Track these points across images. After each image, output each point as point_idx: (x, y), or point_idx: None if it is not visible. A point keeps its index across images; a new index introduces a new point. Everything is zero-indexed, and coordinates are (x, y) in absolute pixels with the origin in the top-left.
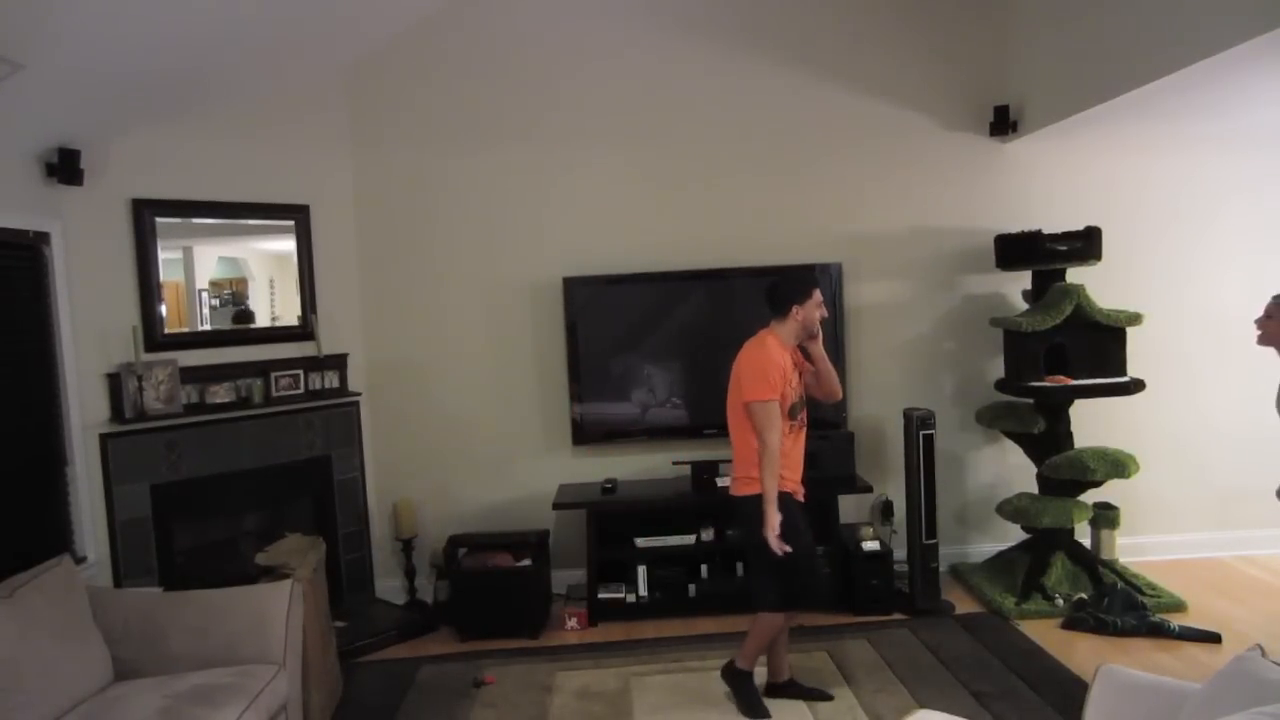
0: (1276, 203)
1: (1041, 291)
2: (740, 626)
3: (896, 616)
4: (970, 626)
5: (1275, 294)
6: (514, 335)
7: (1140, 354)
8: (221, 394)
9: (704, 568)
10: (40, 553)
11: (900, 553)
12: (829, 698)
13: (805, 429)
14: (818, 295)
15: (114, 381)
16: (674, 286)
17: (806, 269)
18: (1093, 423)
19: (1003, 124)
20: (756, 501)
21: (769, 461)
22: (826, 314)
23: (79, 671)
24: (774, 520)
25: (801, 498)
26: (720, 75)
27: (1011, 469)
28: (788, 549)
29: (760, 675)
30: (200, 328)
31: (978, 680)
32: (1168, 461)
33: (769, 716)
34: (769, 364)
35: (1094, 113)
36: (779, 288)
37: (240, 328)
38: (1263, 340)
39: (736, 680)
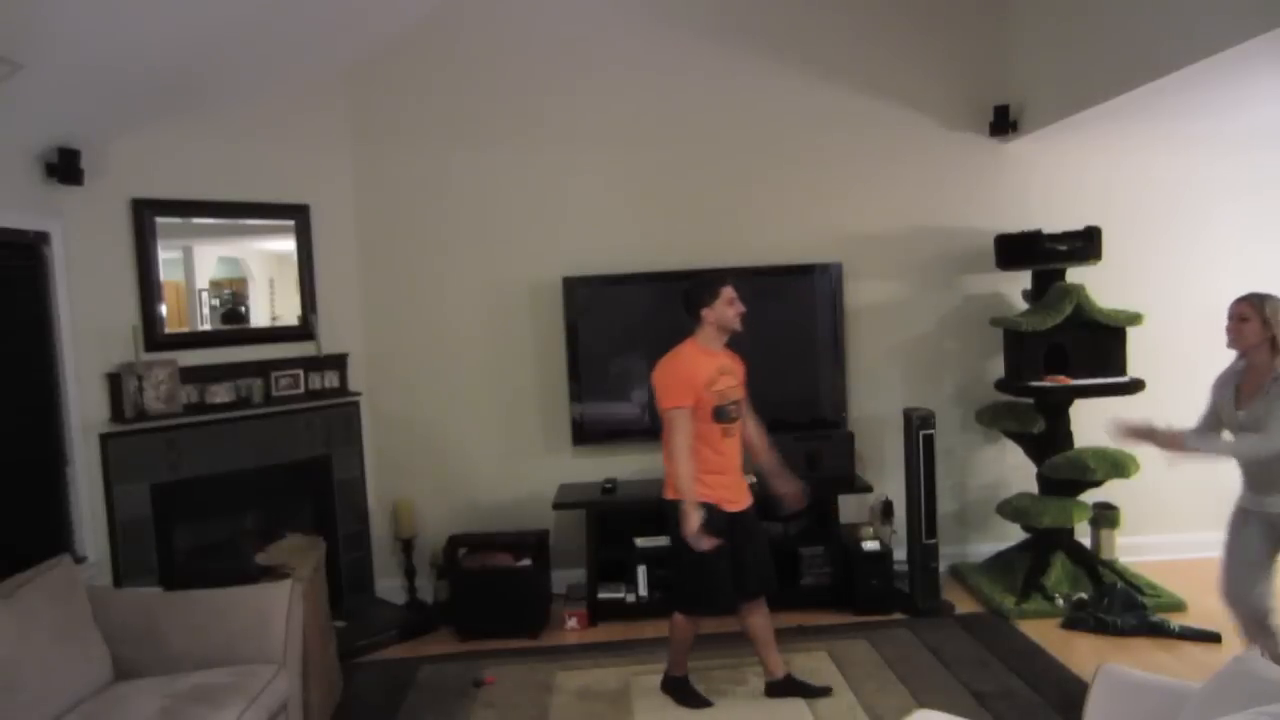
0: (1276, 202)
1: (1041, 291)
2: (737, 627)
3: (896, 616)
4: (970, 626)
5: (1240, 297)
6: (514, 335)
7: (1140, 353)
8: (221, 394)
9: None
10: (40, 553)
11: (900, 553)
12: (828, 692)
13: (739, 437)
14: (727, 293)
15: (114, 381)
16: (674, 286)
17: (806, 269)
18: (1093, 423)
19: (1003, 124)
20: (677, 505)
21: (680, 465)
22: (743, 309)
23: (79, 671)
24: (694, 520)
25: (738, 506)
26: (720, 75)
27: (1011, 469)
28: (706, 546)
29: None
30: (200, 328)
31: (978, 680)
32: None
33: (710, 704)
34: (680, 371)
35: (1094, 112)
36: (688, 294)
37: (233, 328)
38: (1235, 344)
39: (674, 687)
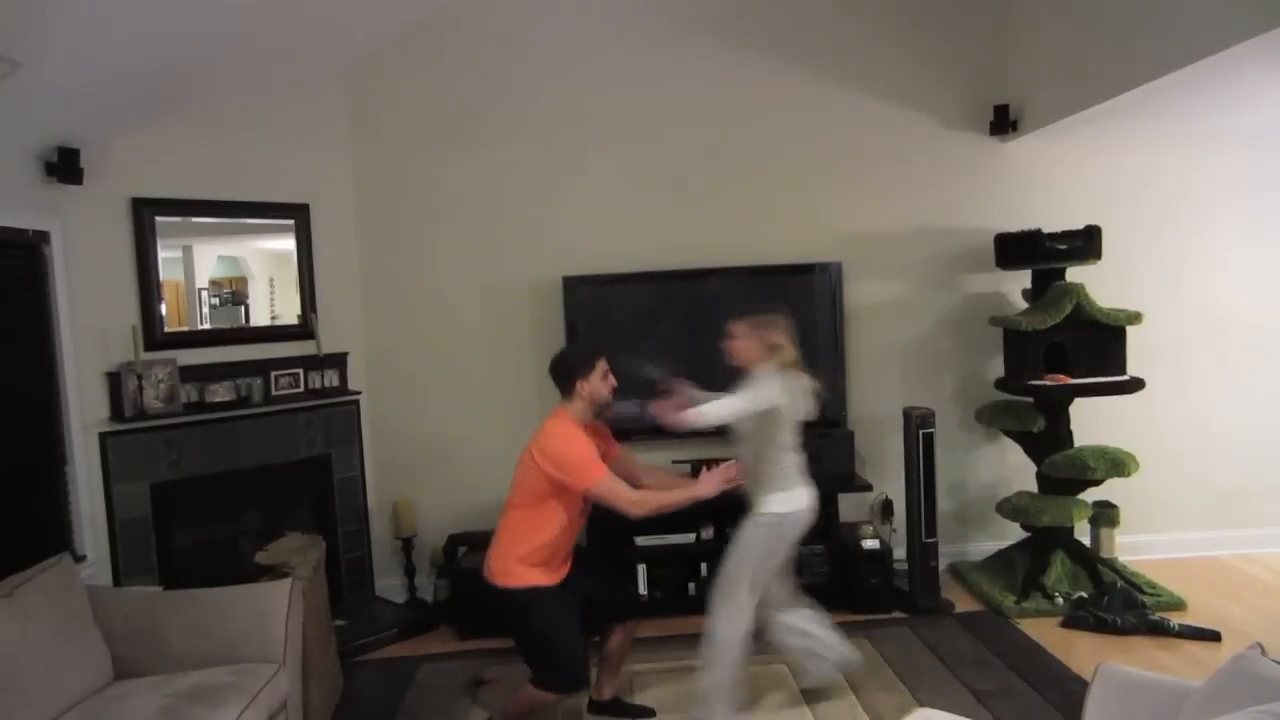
0: (1276, 201)
1: (1041, 290)
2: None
3: (896, 615)
4: (970, 625)
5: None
6: (514, 334)
7: (1140, 353)
8: (221, 393)
9: (704, 566)
10: (40, 552)
11: (900, 551)
12: (651, 713)
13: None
14: (602, 366)
15: (114, 380)
16: (674, 286)
17: (806, 268)
18: (1092, 421)
19: (1003, 123)
20: (517, 595)
21: (657, 496)
22: (615, 383)
23: (79, 671)
24: (711, 482)
25: (563, 575)
26: (720, 75)
27: (1011, 468)
28: (732, 480)
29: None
30: (200, 326)
31: (978, 679)
32: (1167, 460)
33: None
34: (585, 445)
35: (1094, 111)
36: (561, 365)
37: (233, 327)
38: (736, 359)
39: (604, 710)
